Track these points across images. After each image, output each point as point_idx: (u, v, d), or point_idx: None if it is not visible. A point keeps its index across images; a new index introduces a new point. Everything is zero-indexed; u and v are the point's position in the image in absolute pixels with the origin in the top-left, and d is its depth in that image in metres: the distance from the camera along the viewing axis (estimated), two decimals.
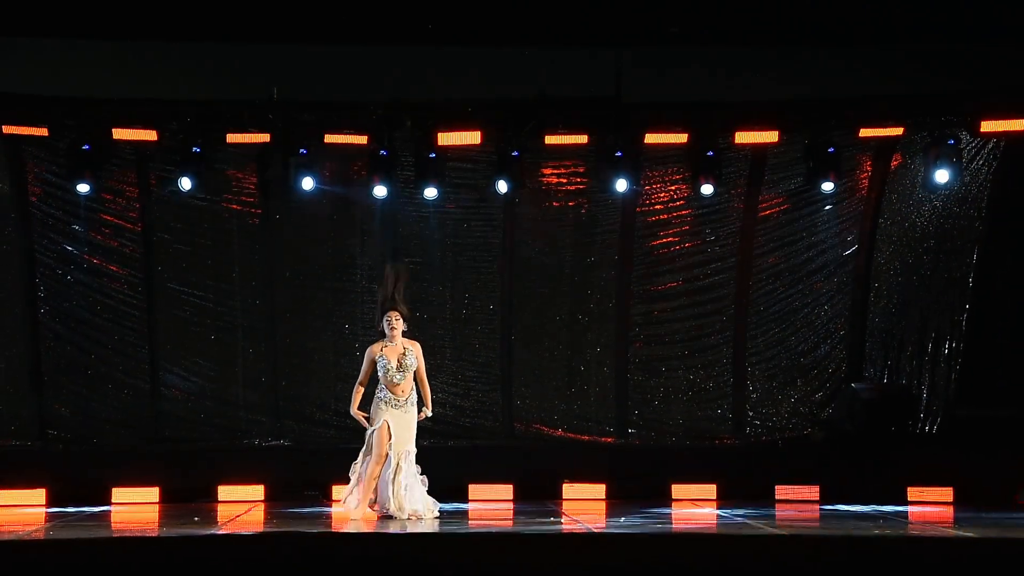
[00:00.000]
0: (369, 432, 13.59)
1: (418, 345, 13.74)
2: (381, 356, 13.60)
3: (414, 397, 13.65)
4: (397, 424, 13.51)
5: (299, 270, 16.99)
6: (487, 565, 11.49)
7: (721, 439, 17.06)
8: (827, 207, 16.96)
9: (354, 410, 13.64)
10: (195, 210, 16.72)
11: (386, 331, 13.62)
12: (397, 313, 13.65)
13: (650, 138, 16.27)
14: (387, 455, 13.47)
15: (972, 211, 16.66)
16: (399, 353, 13.59)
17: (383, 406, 13.58)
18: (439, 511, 13.68)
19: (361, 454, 13.69)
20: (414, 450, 13.58)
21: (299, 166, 16.11)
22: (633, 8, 15.28)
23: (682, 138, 16.32)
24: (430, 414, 13.77)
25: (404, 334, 13.66)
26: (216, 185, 16.61)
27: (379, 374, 13.61)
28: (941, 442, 16.62)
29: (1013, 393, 16.35)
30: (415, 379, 13.64)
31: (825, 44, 16.34)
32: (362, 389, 13.68)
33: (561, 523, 13.64)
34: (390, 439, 13.46)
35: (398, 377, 13.52)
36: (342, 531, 12.80)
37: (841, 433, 16.72)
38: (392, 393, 13.55)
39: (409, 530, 12.70)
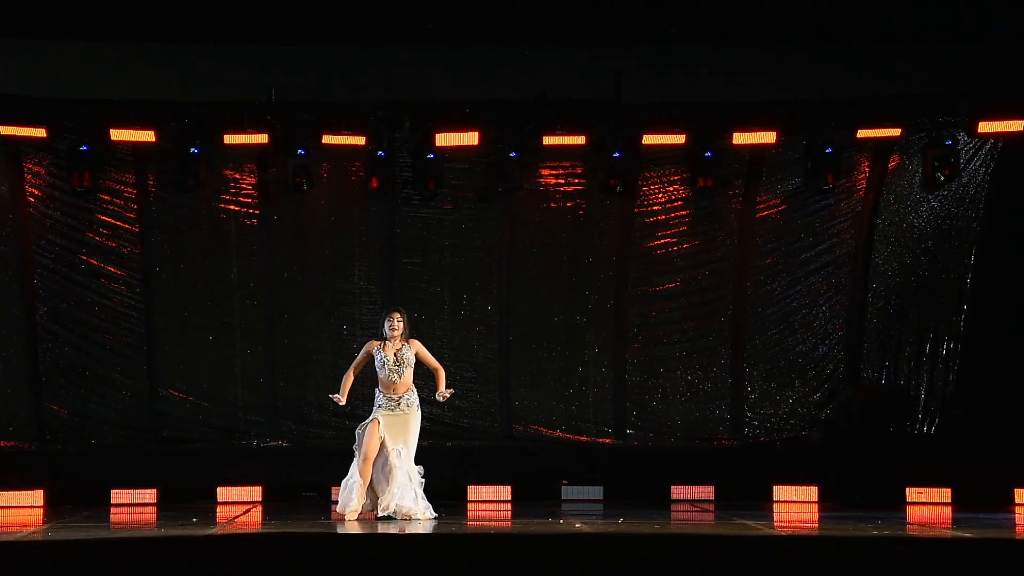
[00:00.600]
0: (358, 430, 13.55)
1: (417, 342, 13.70)
2: (379, 351, 13.56)
3: (412, 398, 13.57)
4: (389, 425, 13.45)
5: (297, 271, 16.97)
6: (485, 566, 11.46)
7: (719, 440, 17.04)
8: (825, 208, 16.96)
9: (337, 394, 13.64)
10: (193, 211, 16.71)
11: (386, 331, 13.59)
12: (399, 314, 13.63)
13: (648, 139, 16.28)
14: (377, 453, 13.42)
15: (970, 212, 16.66)
16: (397, 348, 13.56)
17: (376, 408, 13.55)
18: (435, 513, 13.65)
19: (355, 455, 13.66)
20: (404, 448, 13.49)
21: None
22: (633, 8, 15.29)
23: (680, 139, 16.33)
24: (447, 394, 13.66)
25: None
26: (214, 186, 16.59)
27: (376, 370, 13.56)
28: (939, 443, 16.62)
29: (1011, 393, 16.36)
30: (420, 371, 13.59)
31: (824, 44, 16.35)
32: (351, 376, 13.67)
33: (559, 524, 13.63)
34: (381, 439, 13.42)
35: (395, 373, 13.47)
36: (340, 532, 12.78)
37: (839, 434, 16.71)
38: (387, 394, 13.50)
39: (407, 531, 12.68)
